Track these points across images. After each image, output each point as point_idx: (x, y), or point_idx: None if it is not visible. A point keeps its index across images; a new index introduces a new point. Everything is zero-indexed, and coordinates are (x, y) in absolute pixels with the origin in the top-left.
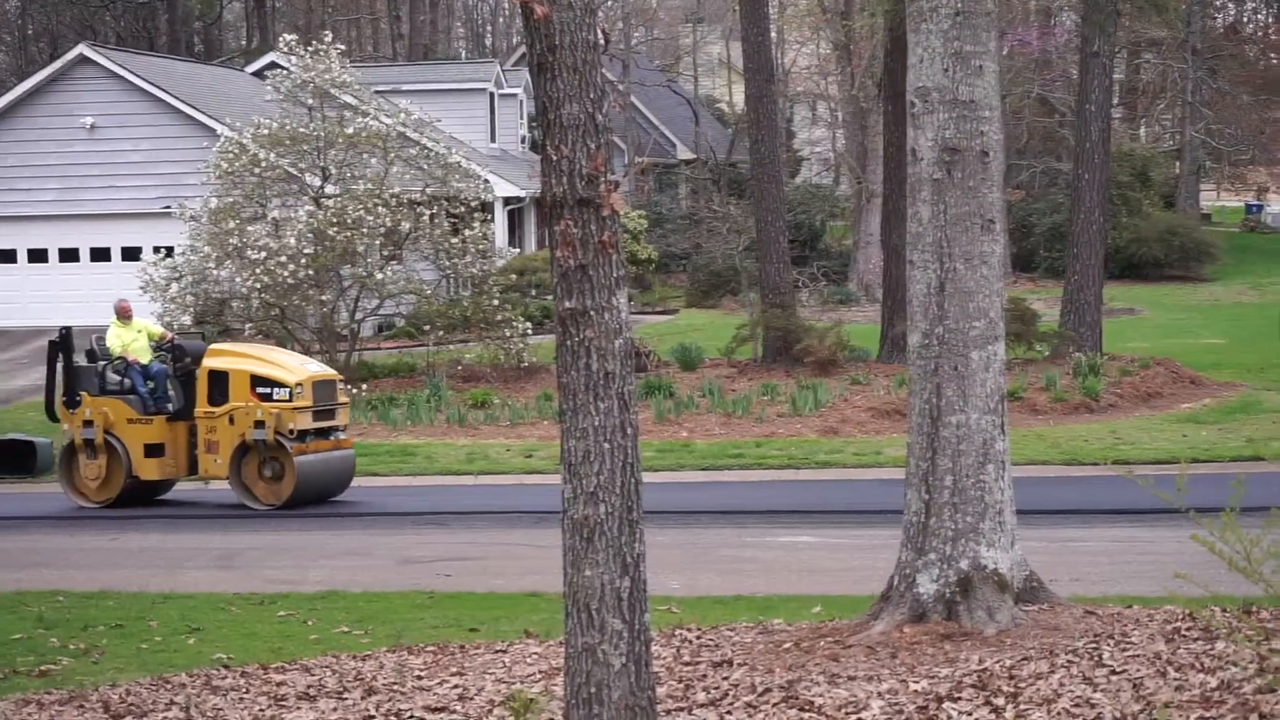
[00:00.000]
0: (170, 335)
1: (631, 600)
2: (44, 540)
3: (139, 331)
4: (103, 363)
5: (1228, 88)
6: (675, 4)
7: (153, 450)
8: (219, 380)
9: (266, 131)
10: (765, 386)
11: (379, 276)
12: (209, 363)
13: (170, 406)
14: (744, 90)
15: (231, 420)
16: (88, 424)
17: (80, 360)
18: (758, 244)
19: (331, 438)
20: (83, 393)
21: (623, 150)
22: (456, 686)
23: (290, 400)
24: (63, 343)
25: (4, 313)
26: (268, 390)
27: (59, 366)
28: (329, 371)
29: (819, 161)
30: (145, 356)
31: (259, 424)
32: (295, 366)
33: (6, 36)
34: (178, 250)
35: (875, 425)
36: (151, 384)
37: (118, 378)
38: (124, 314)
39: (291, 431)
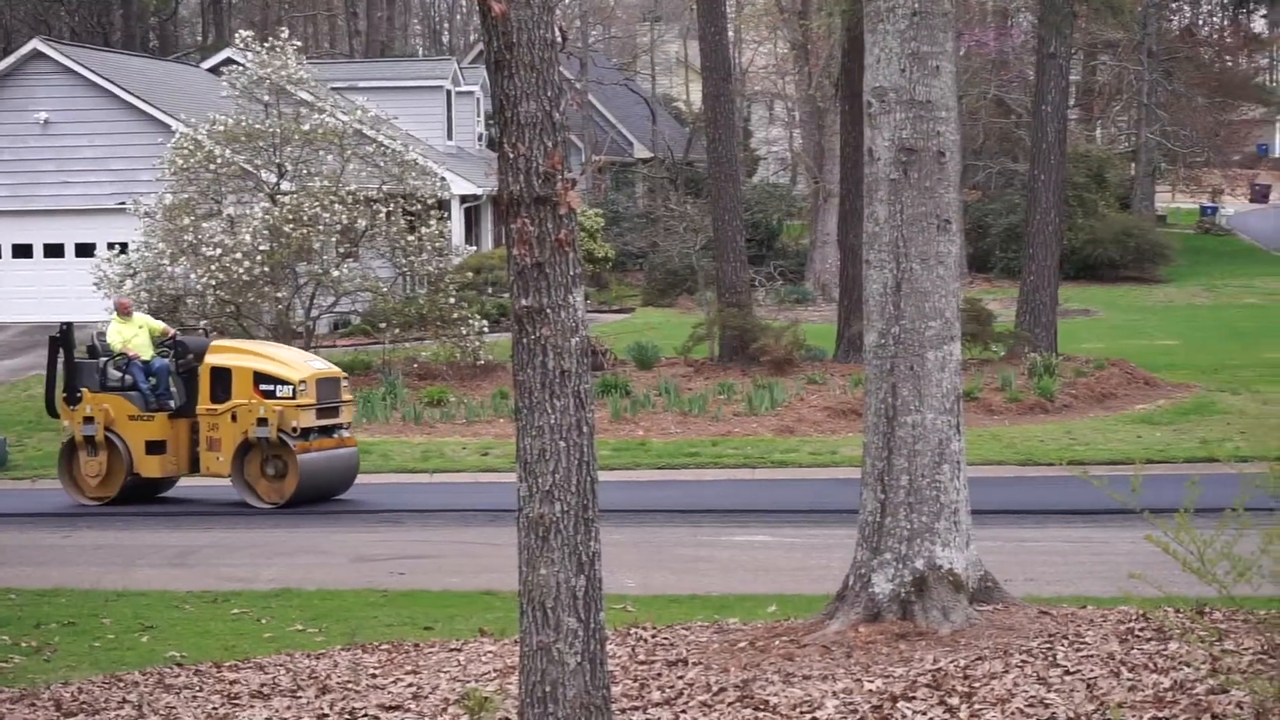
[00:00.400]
0: (173, 331)
1: (587, 599)
2: None
3: (140, 327)
4: (104, 359)
5: (1183, 90)
6: (633, 2)
7: (154, 447)
8: (222, 377)
9: (222, 128)
10: (721, 385)
11: (335, 274)
12: (212, 359)
13: (172, 403)
14: (701, 89)
15: (234, 417)
16: (88, 420)
17: (82, 356)
18: (714, 243)
19: (335, 435)
20: (83, 389)
21: (580, 148)
22: (411, 685)
23: (294, 398)
24: (63, 338)
25: None
26: (271, 387)
27: (59, 362)
28: (333, 369)
29: (776, 161)
30: (147, 352)
31: (262, 421)
32: (299, 364)
33: None
34: (132, 246)
35: (831, 425)
36: (153, 380)
37: (119, 374)
38: (123, 310)
39: (295, 429)
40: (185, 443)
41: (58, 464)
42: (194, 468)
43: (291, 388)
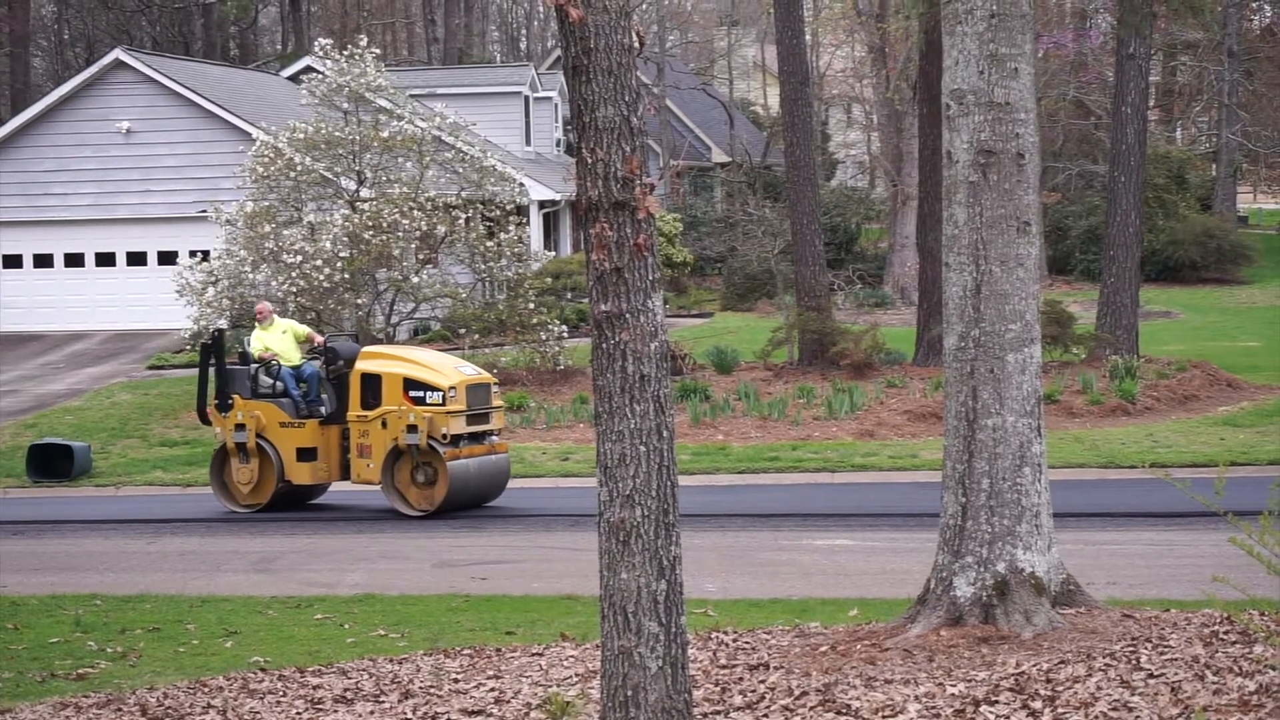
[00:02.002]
0: (320, 337)
1: (668, 603)
2: (82, 544)
3: (283, 332)
4: (254, 365)
5: (1264, 89)
6: (710, 7)
7: (304, 454)
8: (372, 383)
9: (302, 135)
10: (801, 389)
11: (414, 280)
12: (362, 365)
13: (323, 410)
14: (779, 93)
15: (384, 424)
16: (239, 427)
17: (233, 362)
18: (793, 247)
19: (486, 442)
20: (235, 396)
21: (657, 153)
22: (493, 690)
23: (443, 404)
24: (215, 345)
25: (42, 317)
26: (421, 394)
27: (211, 369)
28: (483, 375)
29: (854, 164)
30: (293, 357)
31: (412, 428)
32: (449, 370)
33: (43, 41)
34: (213, 254)
35: (911, 428)
36: (304, 387)
37: (270, 380)
38: (263, 316)
39: (445, 436)
40: (336, 449)
41: (210, 471)
42: (345, 474)
43: (441, 394)
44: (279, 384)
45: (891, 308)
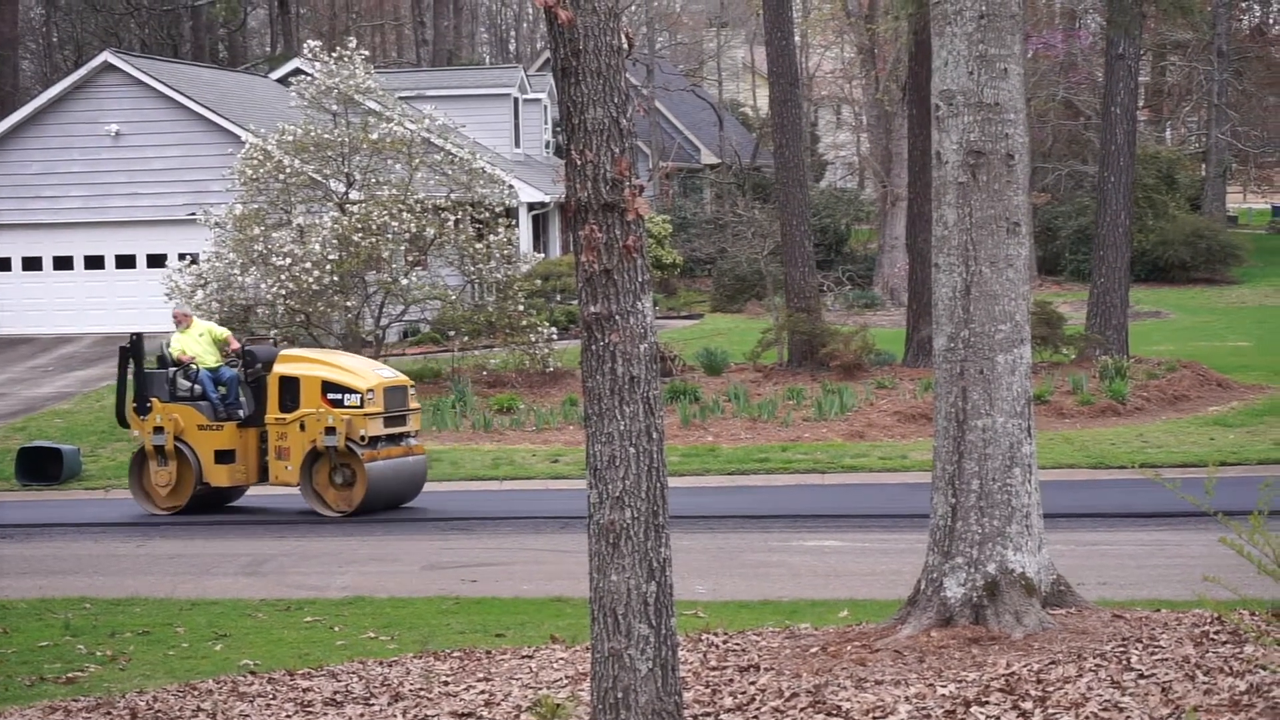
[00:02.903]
0: (237, 340)
1: (658, 605)
2: (71, 547)
3: (200, 335)
4: (173, 369)
5: (1253, 89)
6: (699, 9)
7: (223, 456)
8: (290, 386)
9: (291, 138)
10: (791, 391)
11: (404, 282)
12: (280, 369)
13: (241, 412)
14: (768, 94)
15: (303, 426)
16: (158, 430)
17: (151, 366)
18: (782, 248)
19: (403, 444)
20: (153, 399)
21: (647, 155)
22: (483, 692)
23: (362, 406)
24: (133, 349)
25: (30, 320)
26: (339, 396)
27: (130, 373)
28: (401, 377)
29: (843, 165)
30: (210, 360)
31: (330, 430)
32: (367, 372)
33: (32, 44)
34: (203, 257)
35: (901, 429)
36: (222, 390)
37: (188, 384)
38: (181, 321)
39: (363, 438)
40: (254, 452)
41: (129, 474)
42: (263, 477)
43: (359, 396)
44: (197, 387)
45: (881, 309)
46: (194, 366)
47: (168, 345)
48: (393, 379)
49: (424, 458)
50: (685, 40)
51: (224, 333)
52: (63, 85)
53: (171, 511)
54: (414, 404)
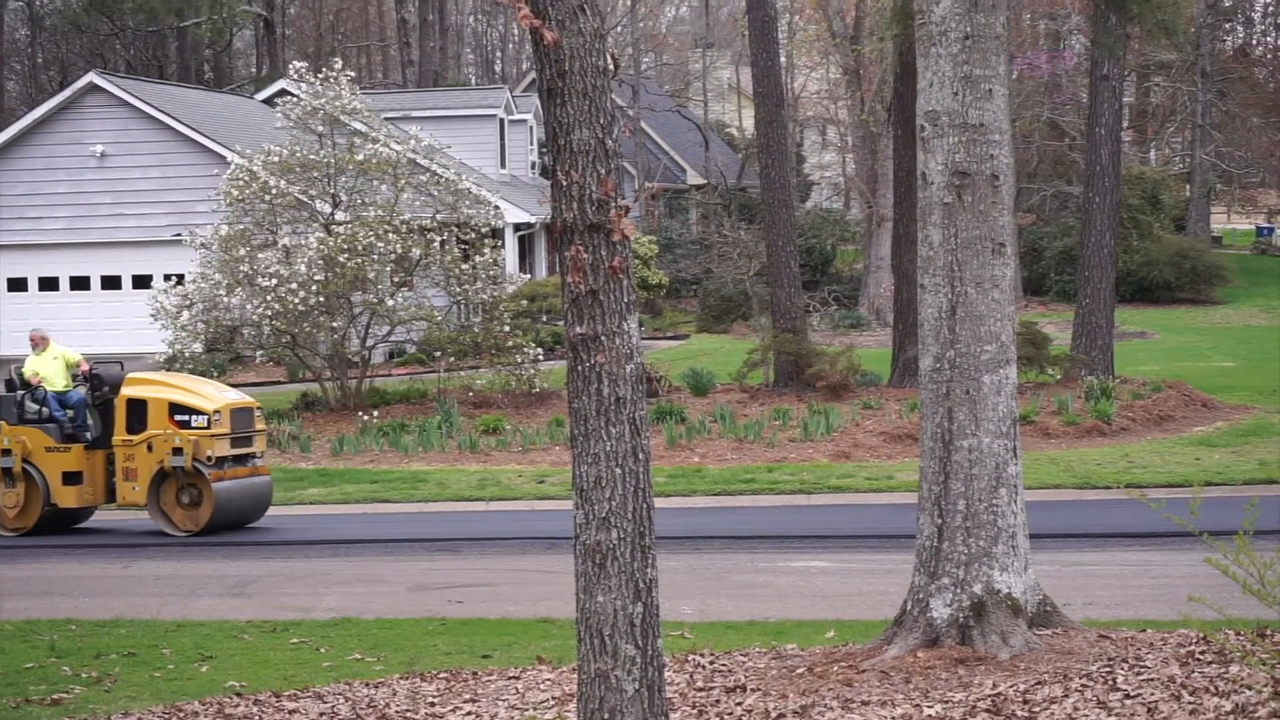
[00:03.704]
0: (87, 364)
1: (644, 626)
2: (56, 568)
3: (54, 358)
4: (21, 392)
5: (1237, 110)
6: (685, 30)
7: (71, 478)
8: (137, 408)
9: (277, 159)
10: (777, 411)
11: (390, 303)
12: (127, 391)
13: (88, 435)
14: (754, 115)
15: (150, 448)
16: (5, 452)
17: None
18: (768, 269)
19: (249, 464)
20: (1, 421)
21: (633, 175)
22: (470, 713)
23: (208, 427)
24: None
25: (15, 341)
26: (186, 417)
27: None
28: (246, 399)
29: (829, 186)
30: (59, 383)
31: (177, 451)
32: (213, 394)
33: (16, 65)
34: (188, 278)
35: (887, 450)
36: (70, 412)
37: (36, 406)
38: (36, 343)
39: (209, 458)
40: (101, 473)
41: None
42: (110, 497)
43: (206, 418)
44: (45, 409)
45: (867, 329)
46: (41, 389)
47: (19, 368)
48: (239, 400)
49: (269, 478)
50: (671, 61)
51: (77, 356)
52: (48, 106)
53: (18, 533)
54: (260, 425)
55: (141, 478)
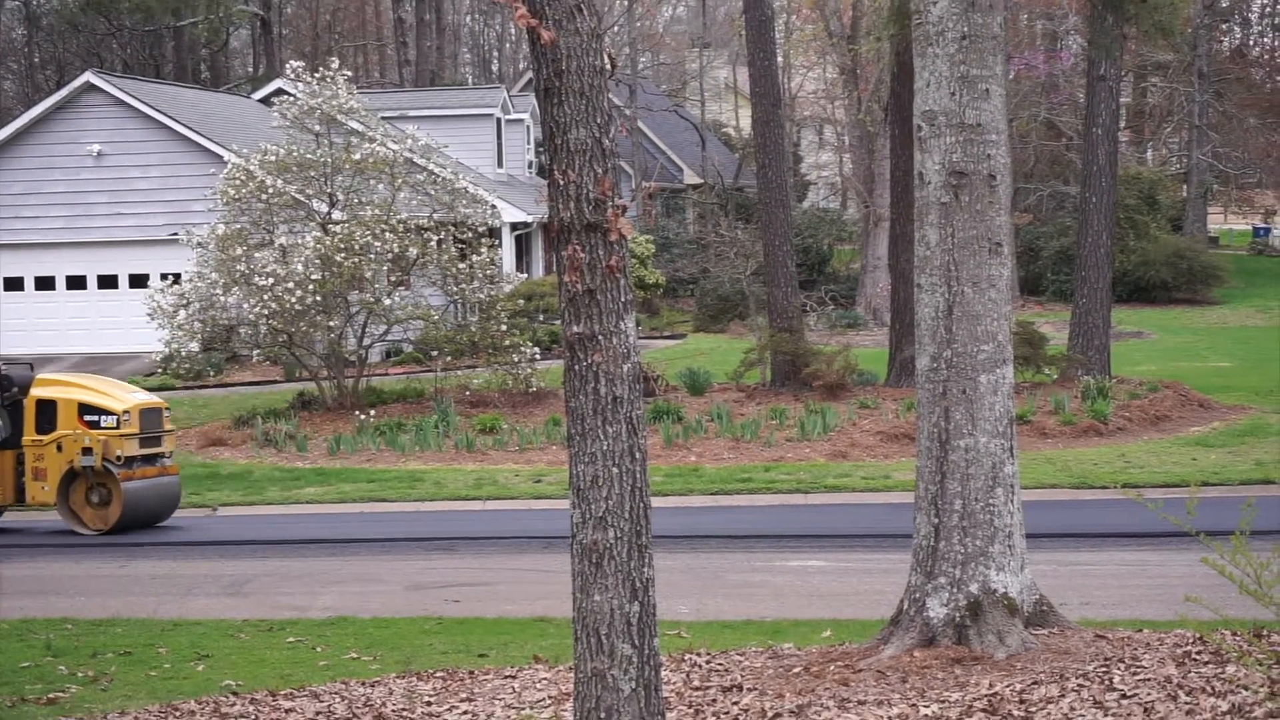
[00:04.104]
0: None
1: (641, 625)
2: (52, 567)
3: None
4: None
5: (1234, 111)
6: (681, 29)
7: None
8: (47, 409)
9: (273, 158)
10: (774, 410)
11: (386, 302)
12: (37, 392)
13: None
14: (750, 115)
15: (59, 448)
16: None
17: None
18: (765, 268)
19: (158, 464)
20: None
21: (630, 175)
22: (466, 713)
23: (118, 427)
24: None
25: (12, 340)
26: (95, 418)
27: None
28: (155, 399)
29: (826, 186)
30: None
31: (87, 451)
32: (122, 395)
33: (13, 64)
34: (185, 277)
35: (884, 449)
36: None
37: None
38: None
39: (119, 458)
40: (11, 474)
41: None
42: (20, 498)
43: (115, 418)
44: None
45: (864, 329)
46: None
47: None
48: (148, 400)
49: (178, 478)
50: (668, 61)
51: None
52: (45, 105)
53: None
54: (169, 425)
55: (51, 478)
